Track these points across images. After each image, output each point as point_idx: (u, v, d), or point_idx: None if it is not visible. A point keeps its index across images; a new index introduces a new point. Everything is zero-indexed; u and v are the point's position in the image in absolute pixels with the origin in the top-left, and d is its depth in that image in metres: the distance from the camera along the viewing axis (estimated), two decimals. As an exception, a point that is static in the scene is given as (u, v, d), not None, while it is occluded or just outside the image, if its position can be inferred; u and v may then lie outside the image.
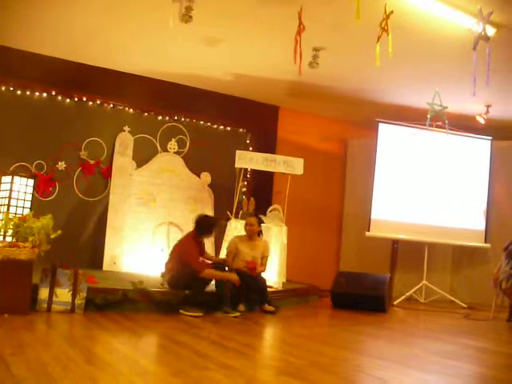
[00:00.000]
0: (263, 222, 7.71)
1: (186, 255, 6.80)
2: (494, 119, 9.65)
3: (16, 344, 4.07)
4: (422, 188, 9.87)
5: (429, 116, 8.35)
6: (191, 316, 6.25)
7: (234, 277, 6.89)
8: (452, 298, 9.69)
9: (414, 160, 9.91)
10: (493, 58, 6.32)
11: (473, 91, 6.23)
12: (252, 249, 7.36)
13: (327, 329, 6.74)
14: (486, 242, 10.04)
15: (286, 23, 6.34)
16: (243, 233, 7.52)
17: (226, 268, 7.14)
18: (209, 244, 9.08)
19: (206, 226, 7.11)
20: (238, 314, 6.62)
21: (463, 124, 9.72)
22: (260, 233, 7.57)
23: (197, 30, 6.75)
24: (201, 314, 6.36)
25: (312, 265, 10.39)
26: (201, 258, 6.95)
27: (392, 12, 5.58)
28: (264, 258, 7.43)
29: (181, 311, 6.39)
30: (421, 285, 9.67)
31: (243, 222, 7.66)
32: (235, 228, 8.16)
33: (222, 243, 8.27)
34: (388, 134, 9.82)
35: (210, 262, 7.13)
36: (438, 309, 8.99)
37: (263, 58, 8.10)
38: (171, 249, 7.18)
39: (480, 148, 10.18)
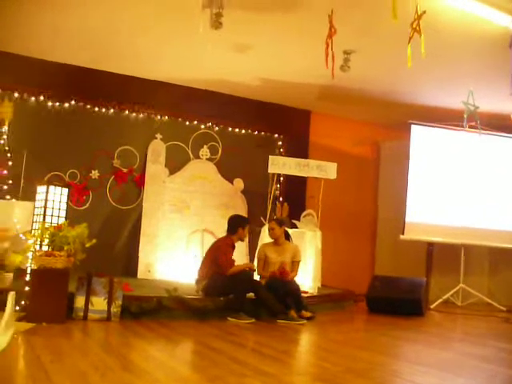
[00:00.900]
0: (284, 225, 7.64)
1: (220, 255, 6.82)
2: (530, 118, 9.49)
3: (54, 352, 4.10)
4: (456, 189, 9.73)
5: (465, 116, 8.25)
6: (242, 323, 6.28)
7: (251, 265, 7.18)
8: (490, 301, 9.54)
9: (448, 161, 9.78)
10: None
11: (510, 91, 6.10)
12: (280, 254, 7.33)
13: (363, 334, 6.68)
14: (523, 243, 9.87)
15: (314, 27, 6.33)
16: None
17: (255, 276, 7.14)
18: (243, 252, 9.11)
19: (236, 223, 7.13)
20: (304, 321, 6.61)
21: (498, 124, 9.59)
22: (288, 237, 7.53)
23: (226, 36, 6.75)
24: (252, 320, 6.38)
25: (347, 269, 10.32)
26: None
27: (424, 12, 5.51)
28: (295, 262, 7.38)
29: (229, 319, 6.39)
30: (458, 288, 9.55)
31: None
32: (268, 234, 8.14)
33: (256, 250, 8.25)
34: (421, 136, 9.72)
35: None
36: (475, 312, 8.85)
37: (293, 62, 8.09)
38: (204, 255, 7.17)
39: (515, 148, 10.03)
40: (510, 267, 10.43)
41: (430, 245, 10.47)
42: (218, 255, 6.85)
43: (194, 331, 5.68)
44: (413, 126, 9.66)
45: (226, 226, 7.21)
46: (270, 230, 7.40)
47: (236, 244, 7.16)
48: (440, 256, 10.50)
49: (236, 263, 7.08)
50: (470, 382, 4.00)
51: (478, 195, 9.79)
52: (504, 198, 9.88)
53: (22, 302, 5.47)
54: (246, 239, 9.06)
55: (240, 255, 8.72)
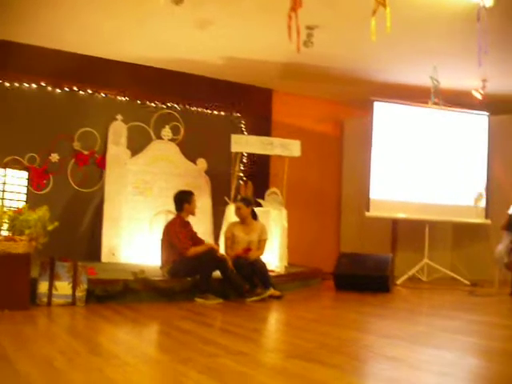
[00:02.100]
0: (251, 204, 7.56)
1: (172, 238, 6.74)
2: (491, 94, 9.54)
3: (19, 339, 3.98)
4: (420, 166, 9.77)
5: (432, 91, 8.26)
6: (210, 303, 6.22)
7: (215, 246, 7.08)
8: (454, 276, 9.63)
9: (411, 138, 9.80)
10: (489, 31, 6.20)
11: (478, 63, 6.07)
12: (247, 233, 7.28)
13: (332, 311, 6.67)
14: (486, 218, 9.97)
15: (277, 3, 6.21)
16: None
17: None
18: (208, 231, 9.05)
19: (181, 199, 7.04)
20: (270, 291, 6.63)
21: (460, 100, 9.64)
22: (254, 215, 7.47)
23: (187, 12, 6.61)
24: (220, 301, 6.33)
25: (312, 247, 10.33)
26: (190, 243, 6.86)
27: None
28: (261, 241, 7.33)
29: (196, 299, 6.32)
30: (422, 263, 9.62)
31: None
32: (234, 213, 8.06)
33: (221, 230, 8.18)
34: (384, 113, 9.70)
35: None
36: (440, 286, 8.94)
37: (256, 39, 7.98)
38: (160, 241, 7.01)
39: (477, 124, 10.09)
40: (473, 242, 10.54)
41: (395, 221, 10.52)
42: (170, 239, 6.77)
43: (161, 313, 5.60)
44: (376, 103, 9.63)
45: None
46: (237, 209, 7.33)
47: (189, 219, 7.08)
48: (405, 232, 10.58)
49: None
50: (443, 351, 3.98)
51: (441, 172, 9.84)
52: (466, 174, 9.96)
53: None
54: (209, 219, 9.04)
55: (205, 234, 8.65)
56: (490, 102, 9.68)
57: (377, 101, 9.63)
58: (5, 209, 5.66)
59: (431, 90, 8.34)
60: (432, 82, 8.26)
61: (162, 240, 6.92)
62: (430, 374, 3.30)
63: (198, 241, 7.01)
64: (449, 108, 9.68)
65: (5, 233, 5.48)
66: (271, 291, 6.66)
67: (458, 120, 9.95)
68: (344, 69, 9.13)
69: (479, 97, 9.42)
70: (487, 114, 10.03)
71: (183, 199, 7.02)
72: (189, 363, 3.38)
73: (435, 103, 8.99)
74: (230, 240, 7.27)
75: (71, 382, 2.89)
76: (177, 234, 6.76)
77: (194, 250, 6.70)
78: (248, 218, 7.34)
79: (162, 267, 6.82)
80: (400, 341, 4.39)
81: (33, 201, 6.16)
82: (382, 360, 3.69)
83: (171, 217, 7.34)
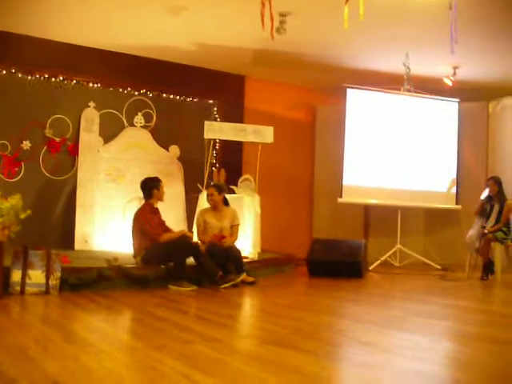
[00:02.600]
0: (223, 191, 7.57)
1: (143, 224, 6.72)
2: (462, 81, 9.64)
3: (-9, 328, 3.96)
4: (392, 152, 9.83)
5: (405, 77, 8.31)
6: (184, 290, 6.22)
7: (188, 233, 7.06)
8: (426, 261, 9.73)
9: (383, 125, 9.86)
10: (460, 18, 6.24)
11: (451, 49, 6.11)
12: (219, 219, 7.28)
13: (306, 296, 6.73)
14: (457, 203, 10.08)
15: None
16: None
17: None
18: (182, 217, 9.04)
19: (149, 186, 7.01)
20: (242, 276, 6.69)
21: (431, 87, 9.71)
22: (225, 202, 7.47)
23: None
24: (194, 288, 6.34)
25: (285, 233, 10.37)
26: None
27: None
28: (234, 226, 7.35)
29: (170, 286, 6.33)
30: (395, 249, 9.70)
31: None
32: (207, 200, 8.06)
33: (194, 217, 8.17)
34: (356, 100, 9.74)
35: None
36: (413, 272, 9.03)
37: (229, 25, 7.93)
38: (131, 228, 6.96)
39: (448, 110, 10.16)
40: (444, 227, 10.67)
41: (367, 207, 10.61)
42: (141, 226, 6.75)
43: (135, 300, 5.60)
44: (348, 90, 9.66)
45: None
46: (209, 195, 7.31)
47: (158, 206, 7.04)
48: (377, 218, 10.68)
49: (174, 228, 7.08)
50: (416, 336, 4.04)
51: (412, 158, 9.91)
52: (438, 160, 10.05)
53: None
54: (182, 205, 9.02)
55: (178, 221, 8.65)
56: (460, 89, 9.79)
57: (349, 87, 9.66)
58: (-24, 197, 5.59)
59: (404, 76, 8.40)
60: (405, 69, 8.30)
61: (133, 228, 6.88)
62: (404, 359, 3.36)
63: (166, 229, 6.97)
64: (420, 95, 9.75)
65: (-24, 221, 5.43)
66: (244, 276, 6.69)
67: (429, 107, 10.02)
68: (316, 55, 9.14)
69: (450, 84, 9.53)
70: (457, 100, 10.11)
71: (152, 186, 6.99)
72: (164, 350, 3.39)
73: (408, 90, 9.05)
74: (202, 226, 7.27)
75: (46, 370, 2.88)
76: (148, 221, 6.74)
77: (167, 236, 6.70)
78: (220, 204, 7.33)
79: (134, 255, 6.79)
80: (373, 326, 4.45)
81: (4, 189, 6.09)
82: (356, 345, 3.74)
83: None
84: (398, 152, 9.84)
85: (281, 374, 2.94)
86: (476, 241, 8.01)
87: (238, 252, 7.02)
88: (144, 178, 7.27)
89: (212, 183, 8.03)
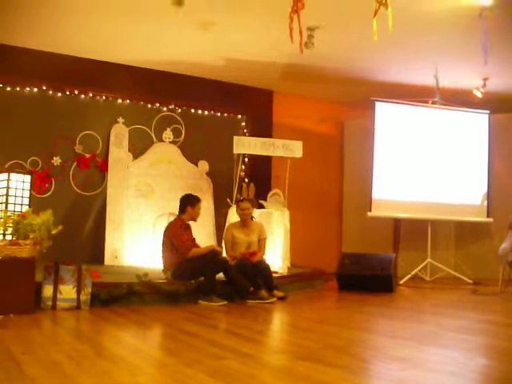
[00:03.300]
0: (255, 205, 7.57)
1: (173, 239, 6.74)
2: (492, 92, 9.56)
3: (25, 343, 3.98)
4: (421, 165, 9.75)
5: (436, 89, 8.26)
6: (214, 305, 6.22)
7: (214, 246, 7.11)
8: (457, 275, 9.63)
9: (412, 138, 9.78)
10: (490, 29, 6.21)
11: (483, 60, 6.05)
12: (246, 234, 7.28)
13: (337, 311, 6.66)
14: (488, 216, 9.96)
15: (279, 4, 6.20)
16: None
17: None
18: (211, 233, 9.05)
19: (185, 202, 7.01)
20: (274, 299, 6.60)
21: (460, 99, 9.64)
22: (251, 217, 7.46)
23: (189, 14, 6.60)
24: (224, 303, 6.31)
25: (315, 248, 10.33)
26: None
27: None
28: (261, 240, 7.33)
29: (200, 302, 6.32)
30: (425, 263, 9.61)
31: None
32: (236, 215, 8.05)
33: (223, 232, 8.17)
34: (384, 113, 9.69)
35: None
36: (444, 286, 8.94)
37: (256, 40, 7.98)
38: (161, 243, 6.96)
39: (478, 122, 10.07)
40: (475, 240, 10.54)
41: (397, 221, 10.53)
42: (171, 240, 6.76)
43: (166, 316, 5.59)
44: (377, 103, 9.63)
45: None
46: (245, 210, 7.27)
47: (190, 223, 7.05)
48: (407, 232, 10.58)
49: (203, 245, 7.07)
50: (450, 351, 3.99)
51: (443, 170, 9.82)
52: (468, 173, 9.94)
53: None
54: (211, 221, 9.03)
55: (207, 236, 8.66)
56: (490, 101, 9.70)
57: (377, 101, 9.62)
58: (9, 213, 5.65)
59: (435, 88, 8.34)
60: (435, 81, 8.25)
61: (163, 242, 6.89)
62: (438, 374, 3.30)
63: (195, 246, 6.97)
64: (449, 107, 9.68)
65: (9, 237, 5.48)
66: (275, 299, 6.64)
67: (459, 119, 9.93)
68: (344, 69, 9.13)
69: (480, 95, 9.44)
70: (488, 112, 10.02)
71: (187, 202, 6.99)
72: (196, 366, 3.38)
73: (439, 103, 8.99)
74: (230, 242, 7.27)
75: (80, 385, 2.89)
76: (178, 235, 6.75)
77: (196, 251, 6.71)
78: (249, 219, 7.34)
79: (164, 271, 6.81)
80: (406, 341, 4.39)
81: (35, 205, 6.14)
82: (389, 360, 3.69)
83: (173, 219, 7.30)
84: (427, 165, 9.76)
85: (314, 390, 2.91)
86: (509, 254, 7.88)
87: (268, 267, 7.01)
88: (186, 193, 7.29)
89: (243, 198, 7.98)
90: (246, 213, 7.29)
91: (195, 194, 7.18)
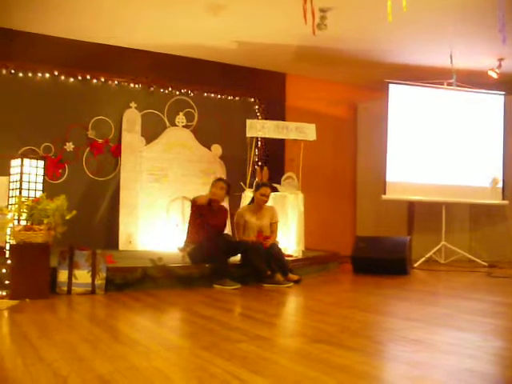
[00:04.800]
0: (277, 191, 7.58)
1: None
2: (507, 73, 9.46)
3: (41, 327, 3.99)
4: (436, 148, 9.70)
5: (452, 70, 8.18)
6: (228, 289, 6.22)
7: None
8: (472, 257, 9.60)
9: (427, 120, 9.73)
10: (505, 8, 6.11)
11: (501, 40, 5.96)
12: (258, 218, 7.26)
13: (352, 294, 6.65)
14: (503, 199, 9.90)
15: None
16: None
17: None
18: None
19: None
20: (291, 284, 6.58)
21: (475, 80, 9.55)
22: None
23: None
24: (238, 286, 6.31)
25: (329, 231, 10.33)
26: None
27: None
28: (273, 224, 7.33)
29: (215, 286, 6.32)
30: (440, 246, 9.58)
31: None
32: (249, 199, 8.03)
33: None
34: (398, 95, 9.63)
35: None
36: (458, 268, 8.91)
37: (268, 23, 7.93)
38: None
39: (493, 104, 9.98)
40: (489, 223, 10.49)
41: (411, 204, 10.48)
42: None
43: (181, 299, 5.59)
44: (390, 85, 9.56)
45: (205, 193, 7.12)
46: (265, 196, 7.25)
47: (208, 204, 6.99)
48: (421, 214, 10.55)
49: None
50: (466, 334, 3.96)
51: (457, 153, 9.76)
52: (482, 155, 9.87)
53: (6, 282, 5.30)
54: (224, 202, 9.01)
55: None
56: (505, 82, 9.60)
57: (391, 83, 9.55)
58: (23, 199, 5.66)
59: (451, 69, 8.25)
60: (451, 62, 8.16)
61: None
62: (453, 357, 3.28)
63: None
64: (464, 88, 9.59)
65: (23, 222, 5.50)
66: (291, 284, 6.62)
67: (474, 100, 9.85)
68: (357, 51, 9.07)
69: (495, 76, 9.35)
70: (503, 93, 9.92)
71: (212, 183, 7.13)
72: (212, 349, 3.37)
73: (454, 84, 8.89)
74: (242, 226, 7.25)
75: (96, 369, 2.89)
76: (190, 221, 7.02)
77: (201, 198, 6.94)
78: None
79: (184, 247, 6.88)
80: (421, 323, 4.37)
81: (49, 190, 6.12)
82: (405, 343, 3.67)
83: (187, 203, 7.31)
84: (442, 147, 9.70)
85: (330, 373, 2.89)
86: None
87: (280, 251, 7.00)
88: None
89: (264, 182, 7.88)
90: (265, 198, 7.27)
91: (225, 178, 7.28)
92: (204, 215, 6.90)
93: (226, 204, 7.47)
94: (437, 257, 9.62)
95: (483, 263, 9.31)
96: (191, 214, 6.98)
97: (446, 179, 9.69)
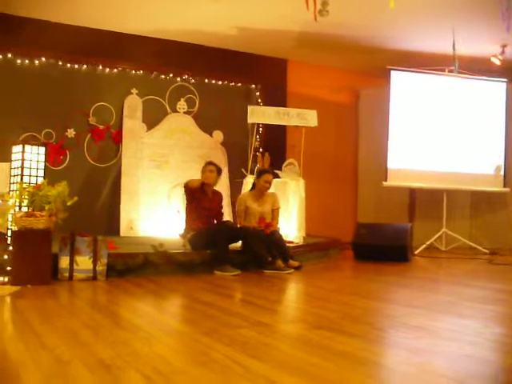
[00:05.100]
0: (278, 177, 7.59)
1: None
2: (510, 60, 9.41)
3: (43, 313, 4.00)
4: (437, 135, 9.68)
5: (454, 57, 8.15)
6: (228, 275, 6.24)
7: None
8: (473, 245, 9.61)
9: (428, 106, 9.70)
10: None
11: (506, 28, 5.94)
12: (260, 205, 7.26)
13: (353, 280, 6.66)
14: (504, 186, 9.89)
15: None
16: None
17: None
18: (225, 202, 9.03)
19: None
20: (292, 270, 6.60)
21: (477, 67, 9.52)
22: None
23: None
24: (238, 272, 6.32)
25: (330, 217, 10.32)
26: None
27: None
28: (275, 210, 7.33)
29: (215, 272, 6.34)
30: (441, 233, 9.58)
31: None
32: (251, 185, 8.03)
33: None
34: (400, 82, 9.60)
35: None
36: (459, 256, 8.92)
37: (269, 9, 7.89)
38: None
39: (495, 91, 9.95)
40: (490, 210, 10.49)
41: (413, 191, 10.48)
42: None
43: (182, 286, 5.61)
44: (392, 72, 9.53)
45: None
46: (268, 182, 7.26)
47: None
48: (422, 201, 10.55)
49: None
50: (468, 321, 3.97)
51: (459, 140, 9.75)
52: (484, 142, 9.86)
53: (8, 268, 5.31)
54: (226, 191, 9.01)
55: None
56: (508, 69, 9.56)
57: (393, 69, 9.53)
58: (24, 185, 5.66)
59: (452, 56, 8.21)
60: (453, 49, 8.13)
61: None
62: (454, 343, 3.29)
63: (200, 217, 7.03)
64: (466, 75, 9.56)
65: (25, 209, 5.50)
66: (292, 270, 6.63)
67: (476, 87, 9.82)
68: (359, 37, 9.02)
69: (498, 63, 9.31)
70: (505, 80, 9.89)
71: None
72: (212, 335, 3.38)
73: (456, 71, 8.87)
74: (244, 212, 7.25)
75: (98, 354, 2.90)
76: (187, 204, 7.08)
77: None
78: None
79: (184, 234, 6.89)
80: (422, 310, 4.38)
81: (50, 177, 6.12)
82: (406, 329, 3.68)
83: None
84: (443, 134, 9.69)
85: (331, 359, 2.91)
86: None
87: (281, 237, 7.00)
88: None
89: (267, 169, 7.82)
90: (268, 185, 7.27)
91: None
92: (198, 199, 6.90)
93: (225, 190, 7.47)
94: (438, 244, 9.63)
95: (484, 250, 9.32)
96: (186, 198, 7.01)
97: (448, 166, 9.68)
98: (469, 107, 9.80)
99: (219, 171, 7.07)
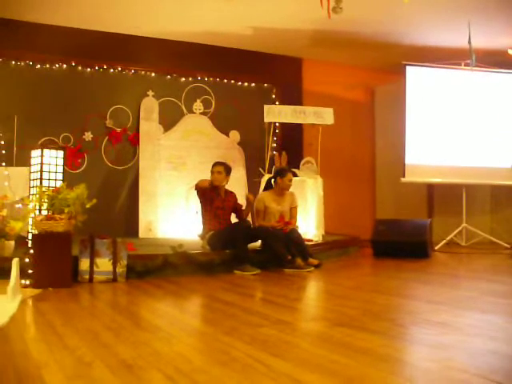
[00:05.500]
0: (296, 176, 7.58)
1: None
2: (527, 52, 9.34)
3: (65, 315, 4.03)
4: (455, 129, 9.61)
5: (470, 51, 8.09)
6: (247, 274, 6.24)
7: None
8: (493, 239, 9.53)
9: (445, 101, 9.64)
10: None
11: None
12: (279, 204, 7.25)
13: (373, 278, 6.64)
14: (525, 180, 9.81)
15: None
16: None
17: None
18: (243, 203, 9.04)
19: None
20: (311, 268, 6.58)
21: (494, 60, 9.43)
22: None
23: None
24: (258, 271, 6.32)
25: (349, 215, 10.28)
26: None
27: None
28: (293, 209, 7.32)
29: (235, 272, 6.34)
30: (461, 228, 9.52)
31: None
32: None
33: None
34: (416, 77, 9.54)
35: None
36: (480, 251, 8.86)
37: (283, 8, 7.88)
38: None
39: (512, 83, 9.87)
40: (511, 204, 10.39)
41: (431, 186, 10.42)
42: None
43: (202, 286, 5.61)
44: (407, 68, 9.48)
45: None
46: (291, 181, 7.26)
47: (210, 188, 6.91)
48: (441, 197, 10.48)
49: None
50: (490, 316, 3.94)
51: (476, 134, 9.67)
52: (503, 135, 9.77)
53: (29, 271, 5.34)
54: (244, 190, 9.00)
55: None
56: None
57: (408, 65, 9.47)
58: (43, 189, 5.69)
59: (470, 50, 8.15)
60: (469, 42, 8.06)
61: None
62: (477, 339, 3.27)
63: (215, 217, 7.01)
64: (483, 68, 9.48)
65: (45, 212, 5.53)
66: (312, 268, 6.61)
67: (493, 80, 9.74)
68: (373, 33, 8.98)
69: (515, 55, 9.24)
70: (523, 73, 9.81)
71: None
72: (233, 334, 3.39)
73: (467, 64, 8.80)
74: (263, 211, 7.23)
75: (119, 354, 2.92)
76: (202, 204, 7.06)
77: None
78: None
79: (202, 236, 6.91)
80: (444, 306, 4.35)
81: (68, 180, 6.15)
82: (428, 325, 3.66)
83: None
84: (460, 128, 9.61)
85: (352, 356, 2.90)
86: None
87: (300, 236, 6.98)
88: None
89: (288, 168, 7.78)
90: (291, 184, 7.27)
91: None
92: (211, 200, 6.91)
93: (243, 189, 7.46)
94: (458, 239, 9.57)
95: (505, 245, 9.24)
96: (199, 199, 7.00)
97: (466, 161, 9.60)
98: (486, 100, 9.72)
99: (228, 171, 7.00)
